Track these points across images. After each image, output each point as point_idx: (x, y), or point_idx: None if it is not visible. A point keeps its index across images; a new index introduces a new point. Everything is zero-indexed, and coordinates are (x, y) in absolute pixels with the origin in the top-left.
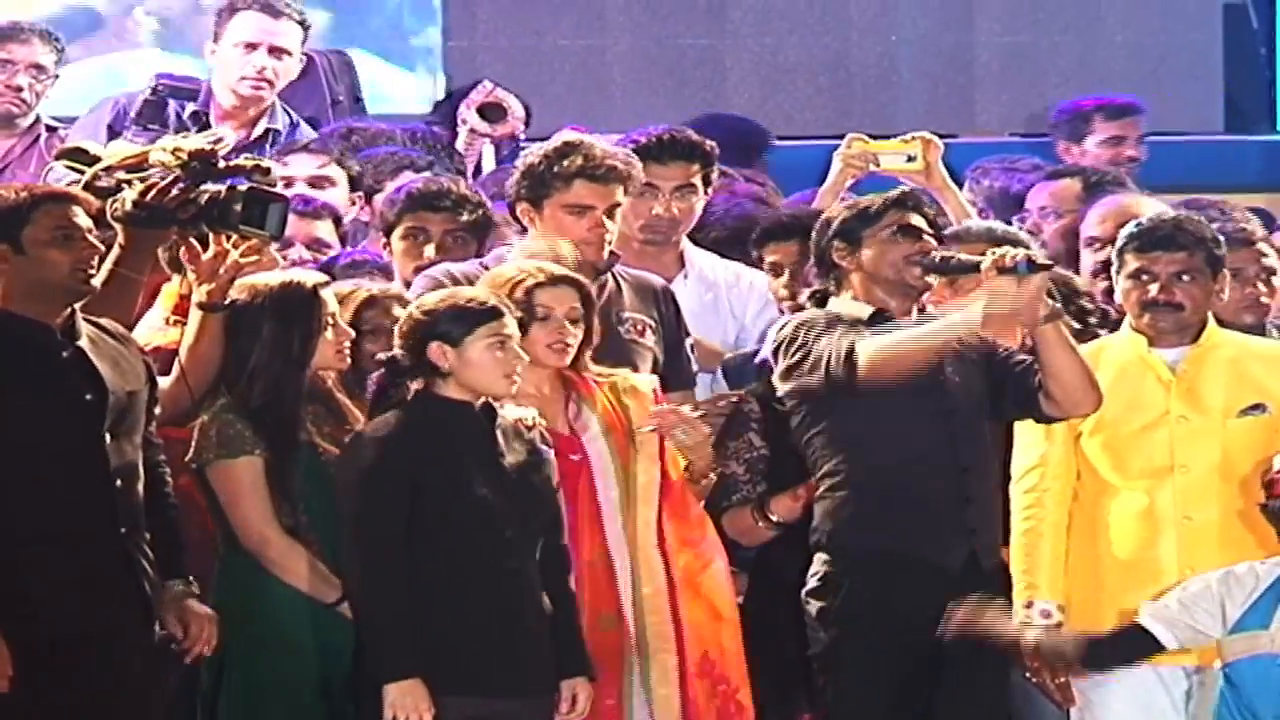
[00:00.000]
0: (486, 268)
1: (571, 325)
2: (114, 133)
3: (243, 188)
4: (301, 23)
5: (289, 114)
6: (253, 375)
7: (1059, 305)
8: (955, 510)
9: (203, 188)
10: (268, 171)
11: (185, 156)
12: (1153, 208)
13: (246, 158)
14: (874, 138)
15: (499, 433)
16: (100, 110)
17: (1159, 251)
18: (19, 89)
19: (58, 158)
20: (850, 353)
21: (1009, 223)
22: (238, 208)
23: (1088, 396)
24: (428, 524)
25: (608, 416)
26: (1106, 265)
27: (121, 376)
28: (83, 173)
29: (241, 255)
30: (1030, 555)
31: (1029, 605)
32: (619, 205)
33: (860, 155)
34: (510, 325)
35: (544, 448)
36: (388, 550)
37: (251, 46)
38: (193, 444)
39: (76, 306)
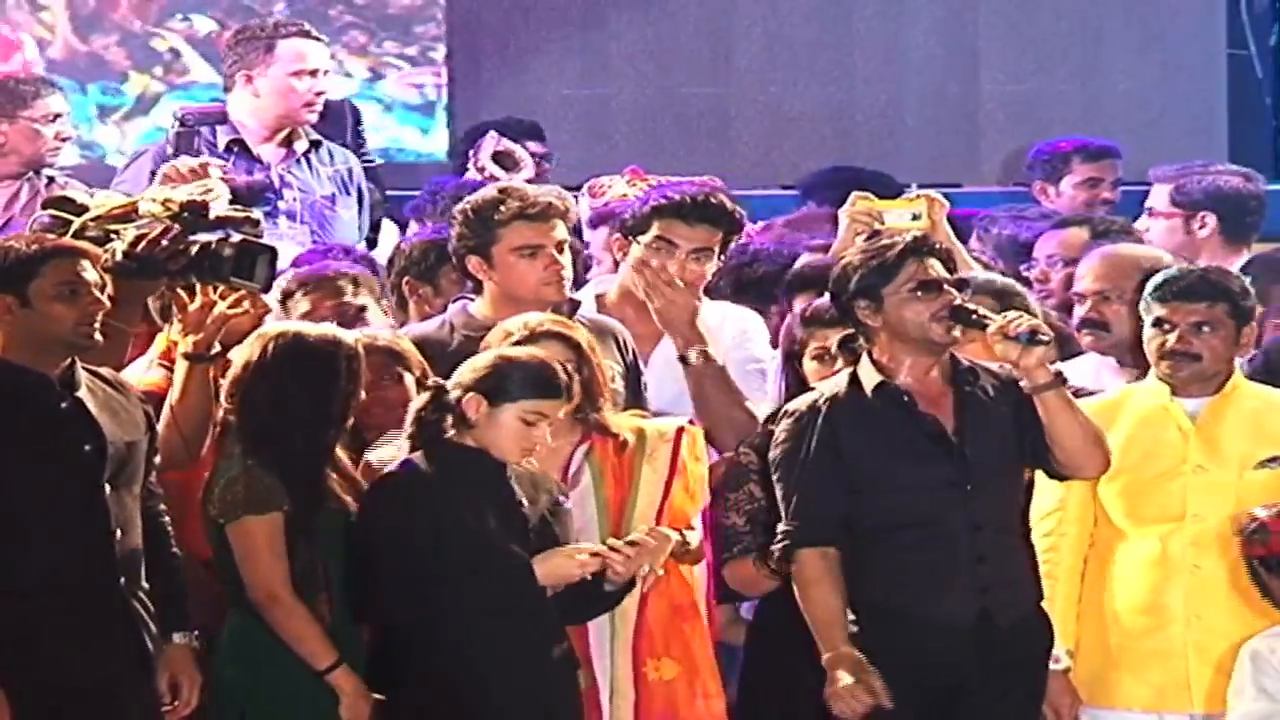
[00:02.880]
0: (452, 326)
1: None
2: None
3: (235, 239)
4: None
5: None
6: (292, 428)
7: (1062, 375)
8: (966, 569)
9: (192, 238)
10: (257, 223)
11: (176, 207)
12: (1149, 255)
13: (236, 209)
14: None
15: (515, 482)
16: (140, 161)
17: (1180, 302)
18: (67, 139)
19: (45, 207)
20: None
21: (1018, 271)
22: (229, 259)
23: (1091, 460)
24: (452, 570)
25: (610, 472)
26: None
27: (121, 427)
28: (70, 222)
29: (229, 306)
30: (1045, 600)
31: None
32: (565, 242)
33: (865, 213)
34: (556, 408)
35: (563, 498)
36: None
37: (311, 73)
38: (216, 498)
39: (76, 356)
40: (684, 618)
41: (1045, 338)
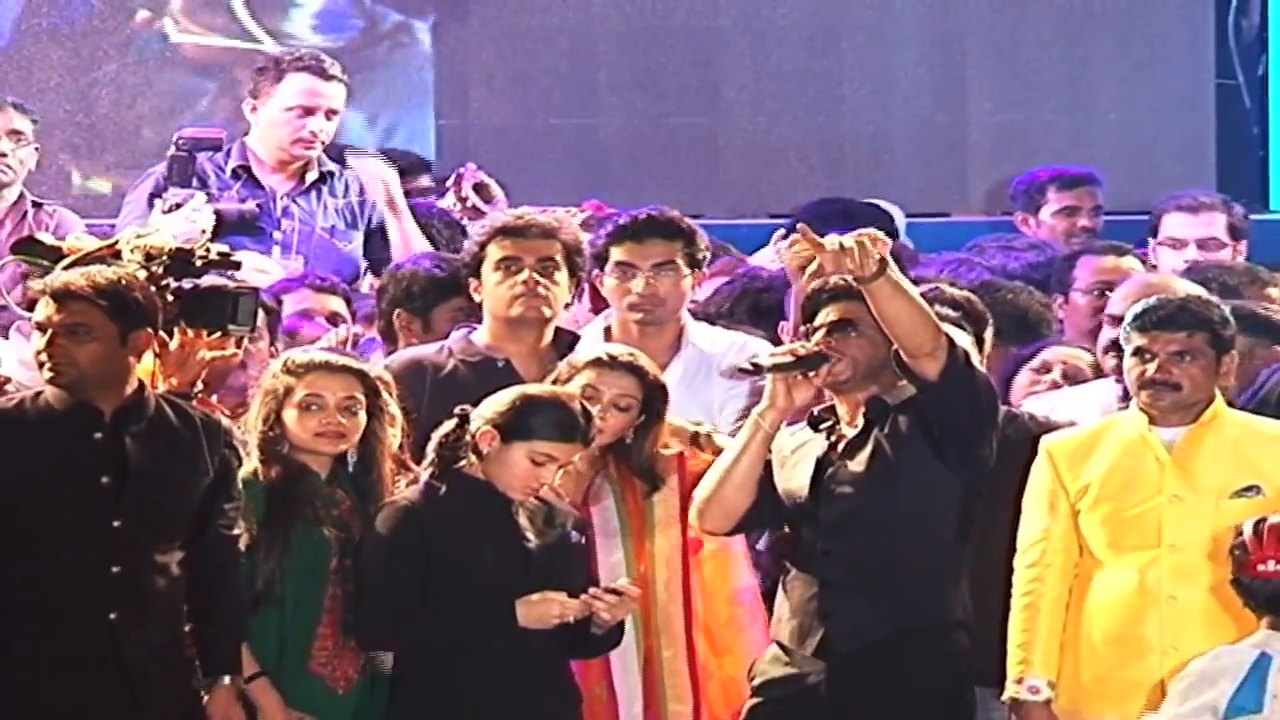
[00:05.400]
0: (450, 351)
1: (619, 411)
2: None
3: (230, 285)
4: (345, 82)
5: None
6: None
7: (882, 262)
8: (811, 595)
9: (177, 285)
10: (239, 265)
11: (161, 253)
12: (1183, 287)
13: (218, 253)
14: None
15: (522, 516)
16: (142, 187)
17: (1159, 331)
18: (2, 155)
19: (13, 250)
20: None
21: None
22: (218, 306)
23: (925, 333)
24: (435, 600)
25: (628, 488)
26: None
27: (170, 465)
28: (41, 265)
29: (209, 348)
30: (1028, 630)
31: (1019, 680)
32: (551, 261)
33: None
34: (569, 452)
35: (574, 533)
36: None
37: (307, 111)
38: None
39: (145, 387)
40: (739, 604)
41: (745, 367)
